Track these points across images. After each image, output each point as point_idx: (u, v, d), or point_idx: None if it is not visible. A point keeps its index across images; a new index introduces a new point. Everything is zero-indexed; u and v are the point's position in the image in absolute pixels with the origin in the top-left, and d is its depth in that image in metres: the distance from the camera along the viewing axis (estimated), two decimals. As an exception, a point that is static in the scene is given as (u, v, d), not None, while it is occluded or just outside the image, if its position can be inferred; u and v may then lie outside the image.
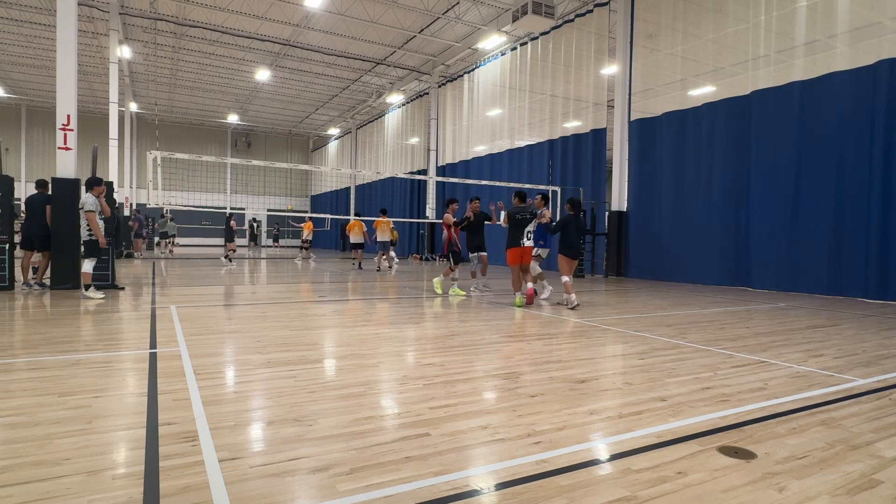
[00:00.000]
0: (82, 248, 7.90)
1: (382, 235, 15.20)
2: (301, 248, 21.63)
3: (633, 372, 4.01)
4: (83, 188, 9.09)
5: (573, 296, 7.55)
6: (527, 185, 14.94)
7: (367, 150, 30.62)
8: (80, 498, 1.93)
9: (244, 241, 31.63)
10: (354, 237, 16.00)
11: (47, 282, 8.69)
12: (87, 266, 7.74)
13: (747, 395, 3.44)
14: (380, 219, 15.23)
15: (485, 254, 9.40)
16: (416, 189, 24.33)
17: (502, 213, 8.36)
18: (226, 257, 16.52)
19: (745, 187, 11.25)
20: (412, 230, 24.43)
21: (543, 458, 2.37)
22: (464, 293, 9.00)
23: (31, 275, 8.72)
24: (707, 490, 2.10)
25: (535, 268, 8.22)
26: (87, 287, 7.65)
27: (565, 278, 7.68)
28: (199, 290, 9.36)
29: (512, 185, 15.71)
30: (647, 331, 5.84)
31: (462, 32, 18.45)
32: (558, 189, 14.48)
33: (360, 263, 15.95)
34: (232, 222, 16.74)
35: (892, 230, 9.04)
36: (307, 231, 20.34)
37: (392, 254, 16.49)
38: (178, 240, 26.53)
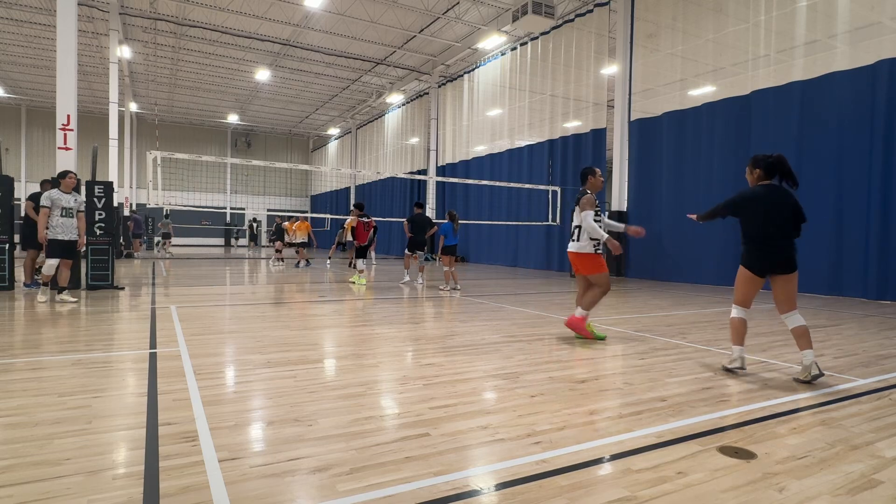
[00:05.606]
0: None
1: (303, 236, 17.24)
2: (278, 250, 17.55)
3: (633, 372, 4.01)
4: (83, 188, 9.11)
5: (737, 348, 3.95)
6: (527, 185, 14.94)
7: (367, 150, 30.61)
8: (80, 498, 1.93)
9: (244, 241, 31.58)
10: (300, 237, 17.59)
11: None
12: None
13: (747, 395, 3.44)
14: (301, 222, 17.18)
15: (420, 252, 11.41)
16: (415, 189, 24.32)
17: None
18: (329, 258, 17.99)
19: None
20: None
21: (543, 458, 2.37)
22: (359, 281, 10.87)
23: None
24: (707, 490, 2.10)
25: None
26: (60, 290, 7.18)
27: (734, 312, 4.10)
28: (199, 290, 9.36)
29: (512, 185, 15.73)
30: (647, 331, 5.84)
31: (462, 32, 18.44)
32: (558, 189, 14.47)
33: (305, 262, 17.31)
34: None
35: (892, 230, 9.04)
36: (293, 232, 16.96)
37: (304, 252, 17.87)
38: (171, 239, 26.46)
